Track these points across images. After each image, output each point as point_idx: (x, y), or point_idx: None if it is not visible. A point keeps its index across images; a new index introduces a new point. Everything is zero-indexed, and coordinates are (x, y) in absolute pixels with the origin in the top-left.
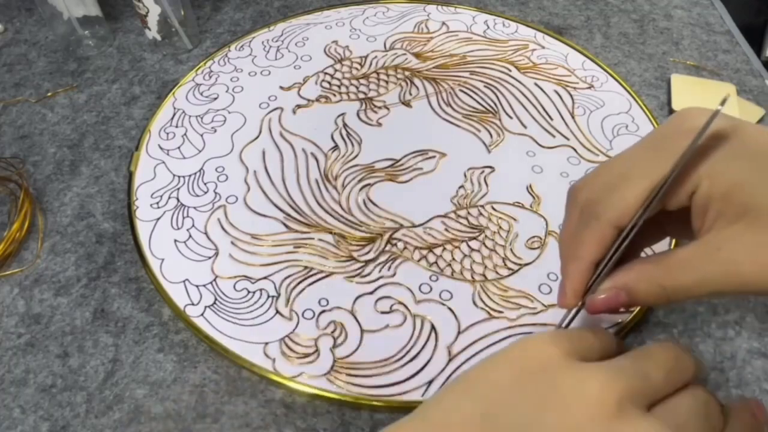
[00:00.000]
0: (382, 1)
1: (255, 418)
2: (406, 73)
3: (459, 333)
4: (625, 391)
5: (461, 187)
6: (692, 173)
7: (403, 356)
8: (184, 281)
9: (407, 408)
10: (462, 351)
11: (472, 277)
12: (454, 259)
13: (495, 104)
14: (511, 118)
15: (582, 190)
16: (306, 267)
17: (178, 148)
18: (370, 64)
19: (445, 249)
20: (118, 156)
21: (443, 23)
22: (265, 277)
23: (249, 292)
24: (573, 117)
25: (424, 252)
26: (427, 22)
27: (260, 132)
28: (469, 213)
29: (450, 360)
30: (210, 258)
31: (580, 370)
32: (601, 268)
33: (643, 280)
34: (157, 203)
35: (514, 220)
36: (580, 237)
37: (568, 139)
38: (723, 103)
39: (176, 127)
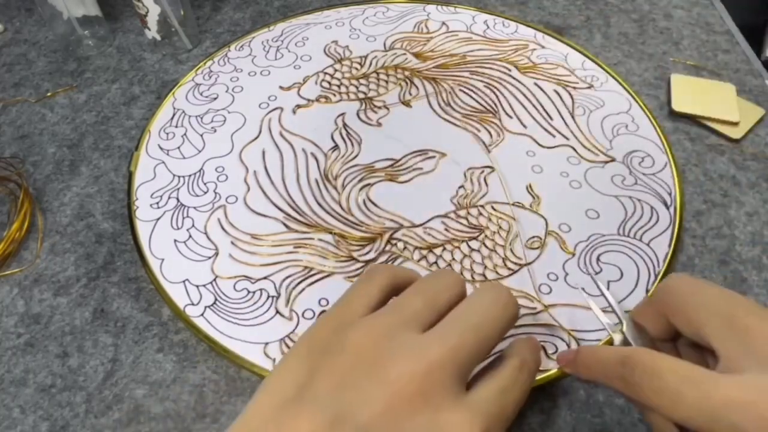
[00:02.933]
0: (382, 1)
1: None
2: (406, 73)
3: None
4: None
5: (461, 187)
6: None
7: None
8: (183, 281)
9: None
10: None
11: (472, 277)
12: (454, 259)
13: (495, 104)
14: (510, 117)
15: (670, 283)
16: (306, 267)
17: (178, 148)
18: (370, 64)
19: (445, 249)
20: (118, 156)
21: (443, 23)
22: (265, 277)
23: (249, 292)
24: (573, 117)
25: (424, 252)
26: (427, 22)
27: (260, 132)
28: (469, 213)
29: None
30: (210, 258)
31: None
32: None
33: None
34: (157, 203)
35: (514, 219)
36: (646, 305)
37: (567, 138)
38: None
39: (176, 127)
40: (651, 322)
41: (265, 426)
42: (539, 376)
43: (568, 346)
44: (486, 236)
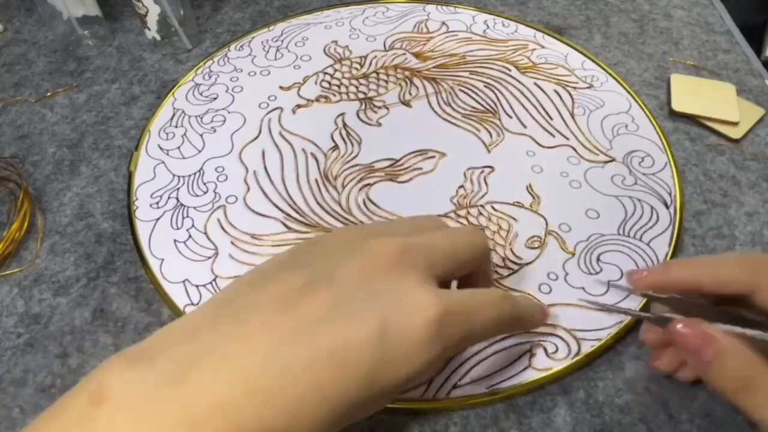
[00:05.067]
0: (382, 1)
1: None
2: (406, 72)
3: None
4: (407, 250)
5: (461, 186)
6: None
7: None
8: (183, 281)
9: (406, 407)
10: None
11: None
12: None
13: (495, 104)
14: (510, 117)
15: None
16: None
17: (178, 148)
18: (370, 63)
19: None
20: (118, 156)
21: (443, 23)
22: None
23: None
24: (573, 117)
25: None
26: (427, 22)
27: (260, 132)
28: (468, 213)
29: (450, 359)
30: (210, 258)
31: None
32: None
33: (743, 360)
34: (157, 203)
35: (514, 219)
36: (718, 263)
37: (567, 138)
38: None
39: (176, 127)
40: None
41: (259, 279)
42: (539, 376)
43: (568, 346)
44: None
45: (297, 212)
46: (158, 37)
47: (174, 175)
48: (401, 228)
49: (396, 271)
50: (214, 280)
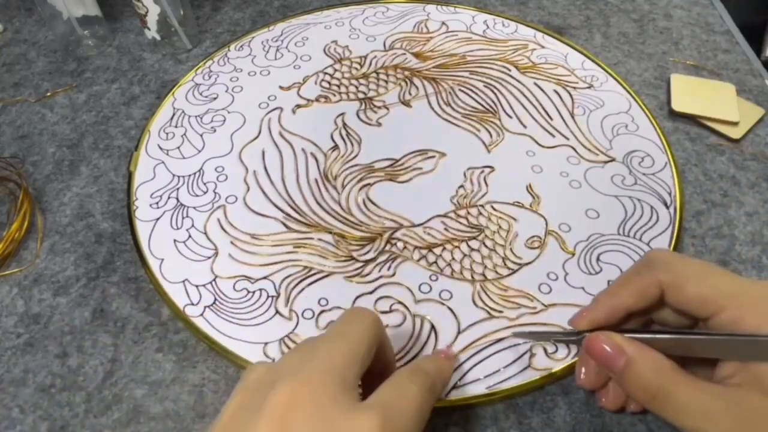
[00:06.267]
0: (382, 1)
1: None
2: (406, 72)
3: (459, 332)
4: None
5: (461, 186)
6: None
7: (403, 356)
8: (183, 281)
9: None
10: (462, 351)
11: (472, 277)
12: (453, 258)
13: (494, 104)
14: (510, 117)
15: (659, 251)
16: (306, 267)
17: (178, 148)
18: (370, 63)
19: (444, 249)
20: (118, 156)
21: (443, 23)
22: (264, 277)
23: (249, 292)
24: (573, 117)
25: (424, 252)
26: (427, 22)
27: (260, 132)
28: (468, 213)
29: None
30: (209, 258)
31: None
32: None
33: (652, 368)
34: (157, 203)
35: (514, 219)
36: (627, 278)
37: (567, 138)
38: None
39: (176, 127)
40: (635, 292)
41: None
42: (539, 376)
43: (568, 346)
44: (486, 236)
45: (297, 212)
46: (158, 37)
47: (174, 175)
48: (290, 362)
49: (315, 410)
50: (214, 280)
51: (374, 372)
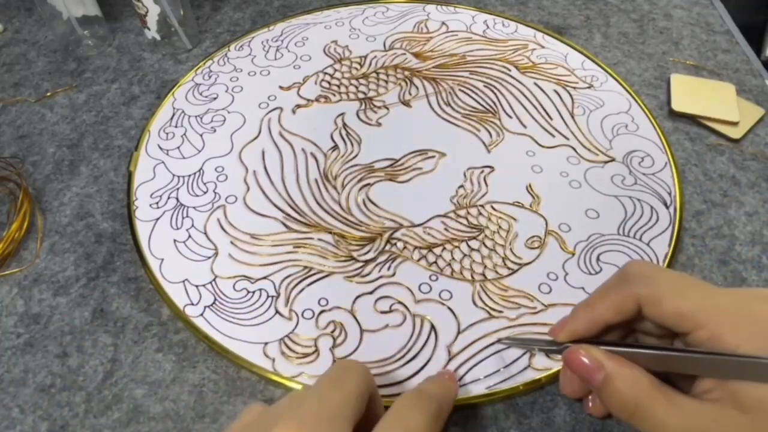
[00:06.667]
0: (382, 1)
1: None
2: (406, 72)
3: (459, 332)
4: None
5: (461, 186)
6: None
7: (403, 356)
8: (183, 281)
9: None
10: (462, 351)
11: (472, 277)
12: (453, 258)
13: (494, 104)
14: (510, 117)
15: (637, 263)
16: (306, 267)
17: (178, 148)
18: (370, 63)
19: (444, 249)
20: (118, 156)
21: (443, 23)
22: (264, 277)
23: (248, 292)
24: (573, 117)
25: (424, 252)
26: (427, 22)
27: (260, 132)
28: (468, 213)
29: (450, 359)
30: (209, 258)
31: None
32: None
33: (630, 385)
34: (157, 203)
35: (514, 219)
36: (605, 291)
37: (567, 138)
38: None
39: (176, 127)
40: (612, 306)
41: None
42: (539, 376)
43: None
44: (486, 236)
45: (297, 212)
46: (158, 37)
47: (174, 175)
48: (285, 406)
49: None
50: (214, 280)
51: (368, 424)
